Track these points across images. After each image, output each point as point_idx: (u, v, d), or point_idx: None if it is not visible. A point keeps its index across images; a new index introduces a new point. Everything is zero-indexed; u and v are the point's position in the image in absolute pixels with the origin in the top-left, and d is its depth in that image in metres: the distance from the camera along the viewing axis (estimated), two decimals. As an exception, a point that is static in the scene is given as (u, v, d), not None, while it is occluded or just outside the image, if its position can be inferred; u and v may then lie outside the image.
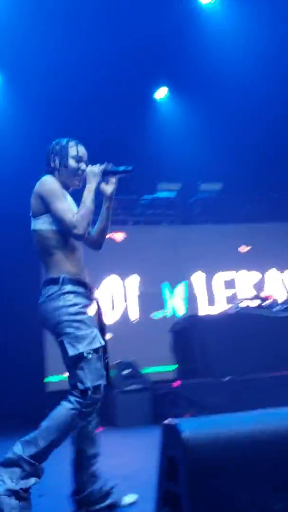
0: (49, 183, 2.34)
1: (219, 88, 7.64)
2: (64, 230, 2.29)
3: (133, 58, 7.03)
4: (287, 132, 8.29)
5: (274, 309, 5.89)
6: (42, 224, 2.33)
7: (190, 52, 7.26)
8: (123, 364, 6.87)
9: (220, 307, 8.18)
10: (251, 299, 6.40)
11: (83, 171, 2.42)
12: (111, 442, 4.97)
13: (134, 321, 8.21)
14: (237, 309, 5.92)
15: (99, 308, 2.40)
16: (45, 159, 2.47)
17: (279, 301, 6.19)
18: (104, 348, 2.27)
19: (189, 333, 5.99)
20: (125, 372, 6.73)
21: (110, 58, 6.87)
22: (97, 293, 2.46)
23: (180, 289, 8.60)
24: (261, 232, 8.92)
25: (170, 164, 8.06)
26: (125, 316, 8.23)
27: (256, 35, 7.01)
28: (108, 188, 2.47)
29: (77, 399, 2.15)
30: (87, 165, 2.44)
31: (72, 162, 2.42)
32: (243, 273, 8.86)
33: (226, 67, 7.30)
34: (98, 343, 2.22)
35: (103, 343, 2.24)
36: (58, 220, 2.28)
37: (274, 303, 6.09)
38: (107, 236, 2.56)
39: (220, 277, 8.73)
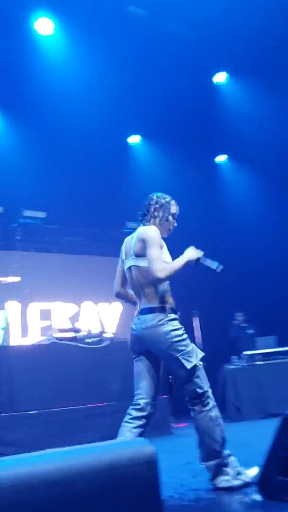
0: (154, 232, 2.84)
1: (50, 120, 7.68)
2: (150, 270, 2.74)
3: None
4: (110, 171, 8.69)
5: (88, 340, 5.94)
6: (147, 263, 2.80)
7: (26, 80, 7.23)
8: None
9: (34, 338, 7.97)
10: (66, 330, 6.36)
11: (174, 227, 3.01)
12: None
13: None
14: (50, 340, 5.81)
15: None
16: (146, 206, 2.98)
17: (93, 333, 6.28)
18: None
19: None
20: None
21: None
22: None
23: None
24: (79, 264, 9.02)
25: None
26: None
27: (91, 71, 7.32)
28: None
29: (207, 401, 2.77)
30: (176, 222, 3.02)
31: (170, 218, 2.99)
32: (58, 304, 8.80)
33: (58, 98, 7.41)
34: (200, 354, 2.83)
35: (203, 353, 2.84)
36: (149, 262, 2.75)
37: (88, 334, 6.14)
38: None
39: (35, 307, 8.54)
